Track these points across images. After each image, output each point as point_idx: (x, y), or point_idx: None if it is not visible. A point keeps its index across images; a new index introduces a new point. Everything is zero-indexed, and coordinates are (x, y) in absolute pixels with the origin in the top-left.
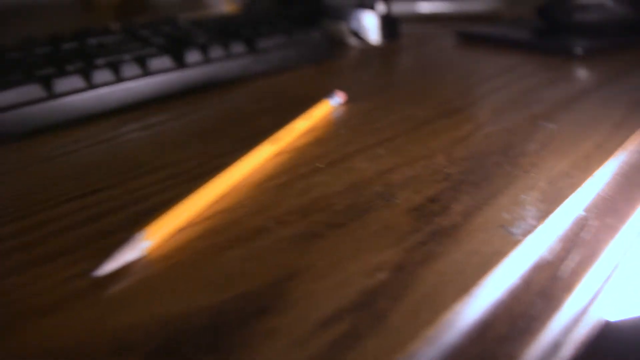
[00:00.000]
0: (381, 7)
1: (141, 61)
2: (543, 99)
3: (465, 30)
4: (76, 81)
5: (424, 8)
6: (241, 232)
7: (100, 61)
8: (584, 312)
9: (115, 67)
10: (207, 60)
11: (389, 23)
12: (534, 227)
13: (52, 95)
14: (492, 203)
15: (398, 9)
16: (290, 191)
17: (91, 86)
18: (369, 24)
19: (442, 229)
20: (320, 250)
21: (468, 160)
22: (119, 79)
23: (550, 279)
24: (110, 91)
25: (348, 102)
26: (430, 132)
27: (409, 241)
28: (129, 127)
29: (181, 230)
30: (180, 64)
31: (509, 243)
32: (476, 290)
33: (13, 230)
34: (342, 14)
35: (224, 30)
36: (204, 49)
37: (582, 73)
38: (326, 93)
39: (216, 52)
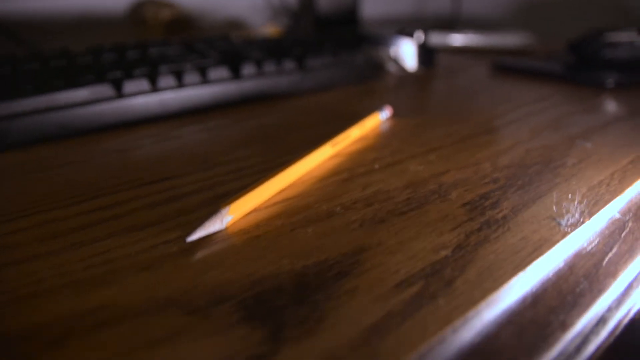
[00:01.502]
0: (419, 36)
1: (201, 70)
2: (578, 123)
3: (499, 62)
4: (143, 84)
5: (457, 40)
6: (312, 215)
7: (163, 68)
8: (626, 294)
9: (178, 74)
10: (261, 74)
11: (425, 51)
12: (580, 222)
13: (121, 95)
14: (538, 202)
15: (432, 40)
16: (352, 185)
17: (156, 89)
18: (407, 52)
19: (494, 220)
20: (387, 231)
21: (512, 168)
22: (181, 85)
23: (593, 266)
24: (173, 96)
25: (394, 118)
26: (475, 145)
27: (465, 228)
28: (190, 128)
29: (255, 211)
30: (236, 75)
31: (557, 233)
32: (529, 268)
33: (99, 205)
34: (381, 40)
35: (274, 49)
36: (258, 63)
37: (613, 103)
38: (371, 110)
39: (269, 66)
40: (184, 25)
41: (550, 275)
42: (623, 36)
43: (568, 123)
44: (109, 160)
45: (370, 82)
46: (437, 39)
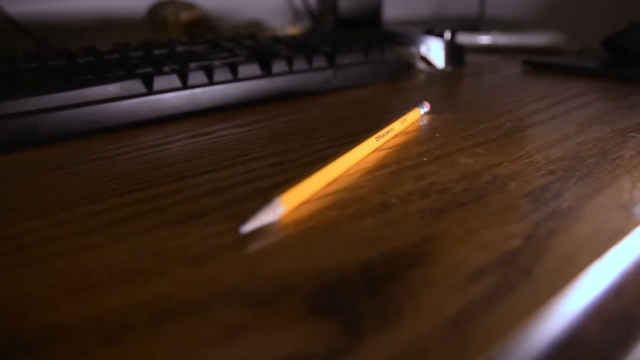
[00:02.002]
0: (447, 34)
1: (232, 67)
2: (626, 118)
3: (531, 59)
4: (173, 80)
5: (485, 40)
6: (368, 206)
7: (193, 65)
8: None
9: (208, 70)
10: (291, 71)
11: (454, 50)
12: None
13: (151, 92)
14: (603, 193)
15: (461, 39)
16: (403, 177)
17: (186, 86)
18: (436, 50)
19: (560, 210)
20: (450, 221)
21: (567, 161)
22: (211, 82)
23: None
24: (203, 92)
25: (432, 113)
26: (521, 139)
27: (531, 218)
28: (223, 124)
29: (306, 203)
30: (267, 72)
31: (630, 222)
32: (606, 258)
33: (138, 198)
34: (409, 39)
35: (303, 47)
36: (289, 60)
37: None
38: (407, 106)
39: (300, 64)
40: (204, 27)
41: (629, 266)
42: None
43: (615, 117)
44: (143, 154)
45: (401, 80)
46: (463, 38)
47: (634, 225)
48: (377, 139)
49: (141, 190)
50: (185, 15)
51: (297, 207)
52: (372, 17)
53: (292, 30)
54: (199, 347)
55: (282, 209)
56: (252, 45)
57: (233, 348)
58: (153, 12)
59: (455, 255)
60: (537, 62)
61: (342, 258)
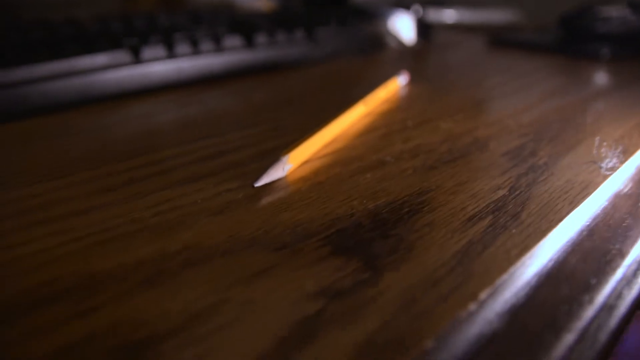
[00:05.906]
0: (417, 9)
1: (215, 38)
2: (584, 88)
3: (494, 36)
4: (159, 51)
5: (448, 17)
6: (365, 163)
7: (178, 35)
8: None
9: (193, 41)
10: (273, 43)
11: (423, 25)
12: (617, 166)
13: (139, 61)
14: (572, 151)
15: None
16: (393, 139)
17: (172, 56)
18: (405, 25)
19: (537, 166)
20: (441, 176)
21: (535, 125)
22: (197, 52)
23: (633, 205)
24: (189, 63)
25: (409, 84)
26: (492, 108)
27: (512, 172)
28: (211, 94)
29: (308, 162)
30: (249, 43)
31: (598, 176)
32: (581, 205)
33: (144, 162)
34: (379, 14)
35: (281, 20)
36: (270, 32)
37: (611, 73)
38: (385, 77)
39: (281, 36)
40: (175, 2)
41: (599, 212)
42: (614, 11)
43: (574, 90)
44: (139, 123)
45: (373, 54)
46: (430, 14)
47: (601, 179)
48: (365, 104)
49: (144, 155)
50: None
51: (300, 166)
52: None
53: (263, 4)
54: (231, 286)
55: (289, 166)
56: (232, 18)
57: (264, 285)
58: None
59: (451, 204)
60: (500, 39)
61: (351, 207)
